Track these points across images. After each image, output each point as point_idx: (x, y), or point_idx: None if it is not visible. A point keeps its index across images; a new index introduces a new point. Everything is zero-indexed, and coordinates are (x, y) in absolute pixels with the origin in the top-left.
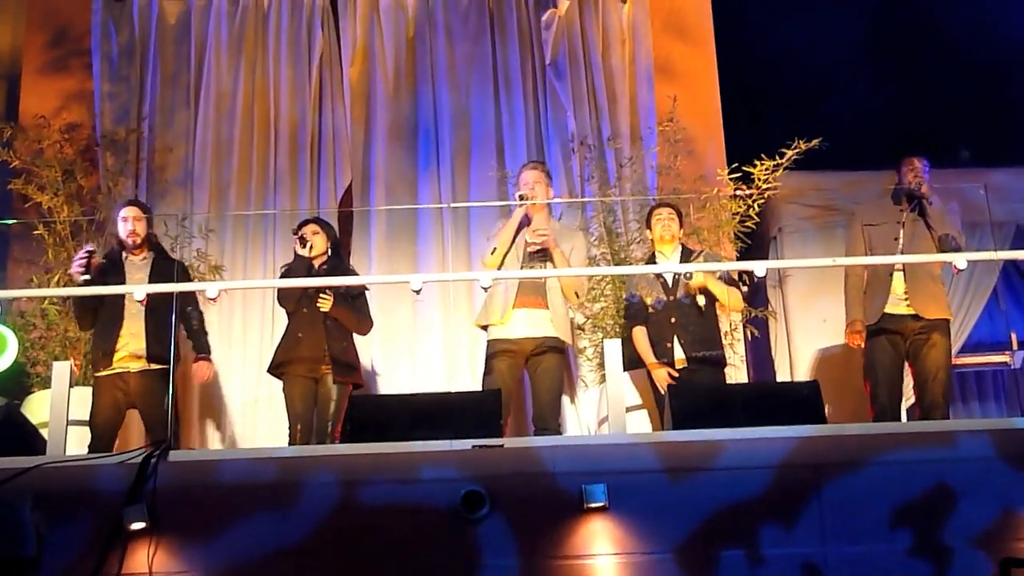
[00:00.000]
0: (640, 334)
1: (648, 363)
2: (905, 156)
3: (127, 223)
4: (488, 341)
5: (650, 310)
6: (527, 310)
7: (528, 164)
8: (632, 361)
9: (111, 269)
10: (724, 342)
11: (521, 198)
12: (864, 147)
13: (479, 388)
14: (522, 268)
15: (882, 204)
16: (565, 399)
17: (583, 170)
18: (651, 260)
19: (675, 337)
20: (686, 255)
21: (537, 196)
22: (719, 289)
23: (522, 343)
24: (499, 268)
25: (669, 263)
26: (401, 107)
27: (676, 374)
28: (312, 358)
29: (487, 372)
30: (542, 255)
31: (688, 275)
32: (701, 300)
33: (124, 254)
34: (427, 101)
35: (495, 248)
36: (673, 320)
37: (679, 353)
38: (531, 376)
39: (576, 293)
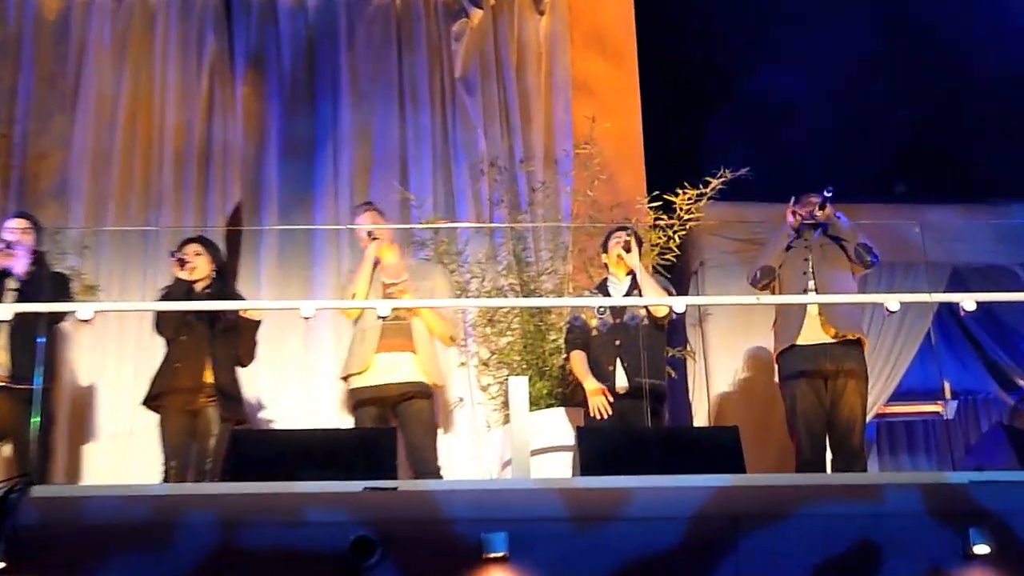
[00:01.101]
0: (579, 358)
1: (587, 388)
2: (802, 194)
3: (11, 235)
4: (349, 391)
5: (594, 332)
6: (391, 354)
7: (360, 208)
8: (552, 397)
9: None
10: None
11: (369, 234)
12: (793, 177)
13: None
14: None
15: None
16: (465, 441)
17: (492, 194)
18: (603, 284)
19: (618, 360)
20: (635, 283)
21: (383, 237)
22: (648, 284)
23: (386, 389)
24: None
25: (619, 287)
26: (298, 120)
27: (611, 401)
28: (191, 389)
29: (356, 425)
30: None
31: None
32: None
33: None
34: (326, 114)
35: (354, 293)
36: (617, 343)
37: (621, 379)
38: (400, 424)
39: (451, 337)
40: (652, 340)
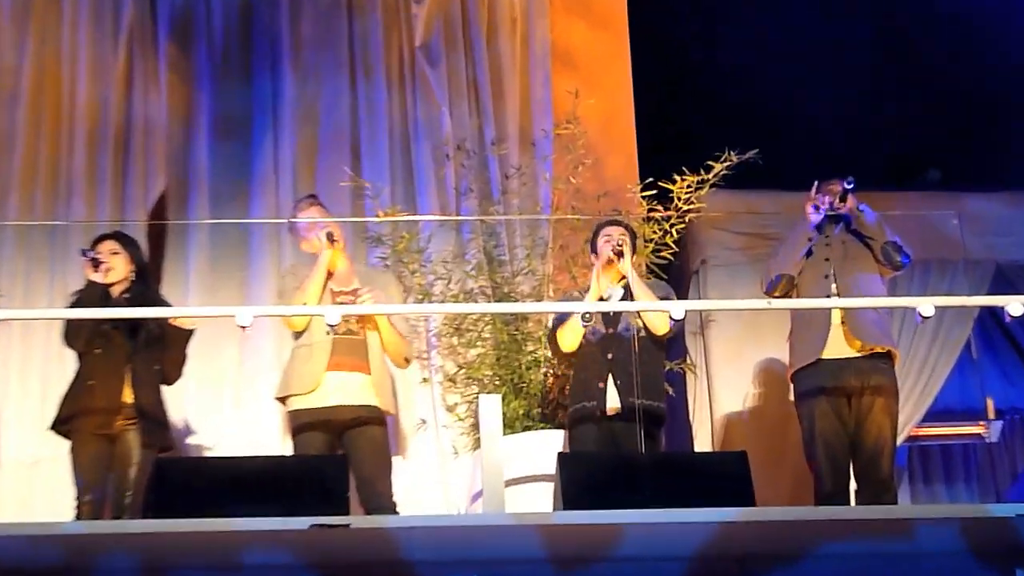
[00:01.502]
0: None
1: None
2: (822, 180)
3: None
4: (289, 413)
5: (581, 342)
6: (342, 374)
7: (303, 202)
8: (529, 419)
9: None
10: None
11: (329, 236)
12: (809, 163)
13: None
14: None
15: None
16: (430, 470)
17: (459, 181)
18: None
19: (610, 377)
20: (628, 292)
21: (339, 237)
22: (644, 294)
23: (334, 412)
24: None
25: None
26: (231, 96)
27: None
28: (107, 410)
29: (296, 451)
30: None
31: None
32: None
33: None
34: (264, 90)
35: (305, 301)
36: (609, 356)
37: (612, 399)
38: (350, 453)
39: (405, 358)
40: (650, 356)
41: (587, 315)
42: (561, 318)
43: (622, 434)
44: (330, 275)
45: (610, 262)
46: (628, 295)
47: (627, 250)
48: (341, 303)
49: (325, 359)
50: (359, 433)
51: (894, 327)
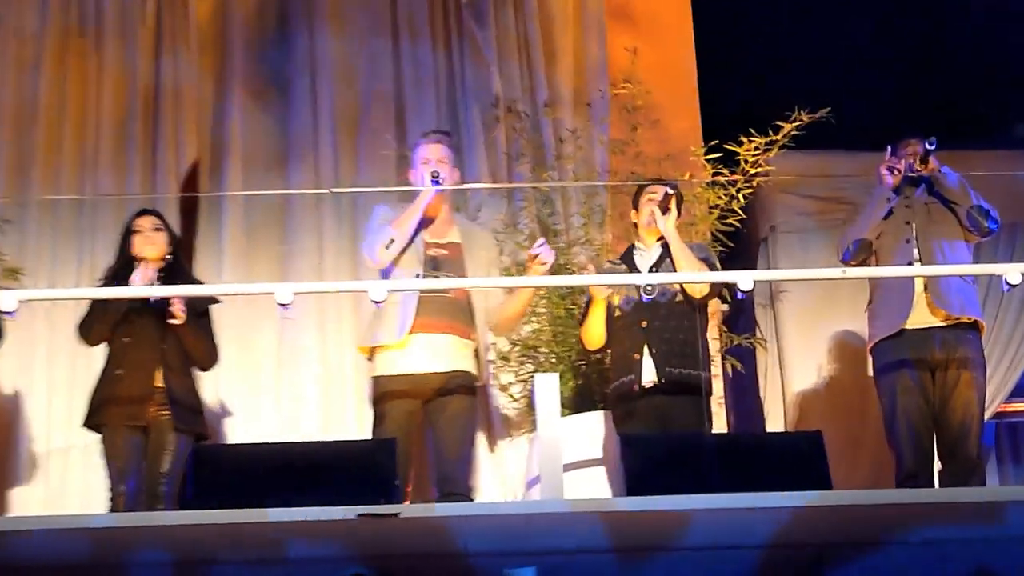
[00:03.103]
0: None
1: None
2: (900, 139)
3: None
4: (374, 379)
5: (616, 312)
6: (428, 335)
7: (430, 135)
8: (586, 399)
9: None
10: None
11: (435, 179)
12: (885, 120)
13: (368, 436)
14: (424, 276)
15: None
16: (483, 454)
17: (511, 146)
18: (628, 253)
19: (645, 347)
20: (667, 251)
21: (448, 176)
22: (684, 255)
23: (421, 380)
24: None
25: (647, 256)
26: (267, 57)
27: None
28: (137, 398)
29: (376, 421)
30: (451, 264)
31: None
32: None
33: None
34: (302, 48)
35: (392, 239)
36: (644, 324)
37: (648, 373)
38: (433, 424)
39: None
40: (687, 320)
41: (649, 287)
42: (585, 311)
43: (667, 408)
44: (427, 223)
45: (652, 219)
46: (666, 257)
47: (672, 208)
48: (432, 256)
49: (411, 313)
50: (444, 403)
51: (980, 293)
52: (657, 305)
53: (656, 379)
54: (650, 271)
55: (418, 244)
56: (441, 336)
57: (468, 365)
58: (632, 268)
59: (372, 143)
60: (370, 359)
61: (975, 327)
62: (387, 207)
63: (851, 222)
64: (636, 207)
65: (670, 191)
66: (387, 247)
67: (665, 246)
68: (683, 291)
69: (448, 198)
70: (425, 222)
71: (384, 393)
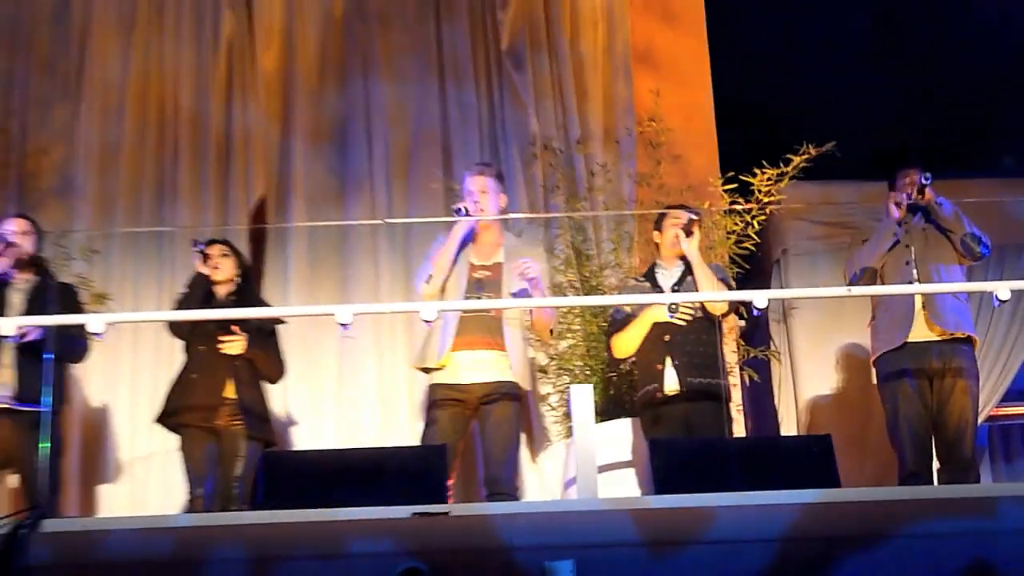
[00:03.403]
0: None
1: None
2: (899, 169)
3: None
4: (429, 386)
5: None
6: (472, 352)
7: (473, 168)
8: (617, 407)
9: None
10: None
11: (458, 212)
12: (884, 153)
13: (419, 443)
14: (466, 298)
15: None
16: (524, 456)
17: (547, 179)
18: (650, 271)
19: (667, 359)
20: (688, 271)
21: (485, 208)
22: (706, 275)
23: (470, 389)
24: (440, 297)
25: (669, 275)
26: (326, 102)
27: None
28: (209, 405)
29: (427, 424)
30: (493, 284)
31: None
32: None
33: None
34: (358, 95)
35: (431, 275)
36: (667, 338)
37: (671, 382)
38: (481, 429)
39: (551, 330)
40: (706, 335)
41: (673, 305)
42: (616, 324)
43: (689, 414)
44: (474, 243)
45: (676, 241)
46: (687, 276)
47: (696, 231)
48: (477, 278)
49: (451, 334)
50: (490, 409)
51: (972, 310)
52: (678, 321)
53: (678, 388)
54: (672, 289)
55: (462, 268)
56: (483, 352)
57: (509, 375)
58: (655, 285)
59: (421, 178)
60: (425, 372)
61: (969, 341)
62: (444, 237)
63: (856, 246)
64: (659, 229)
65: (693, 216)
66: (427, 283)
67: (686, 266)
68: (703, 308)
69: (497, 221)
70: (473, 244)
71: (434, 401)
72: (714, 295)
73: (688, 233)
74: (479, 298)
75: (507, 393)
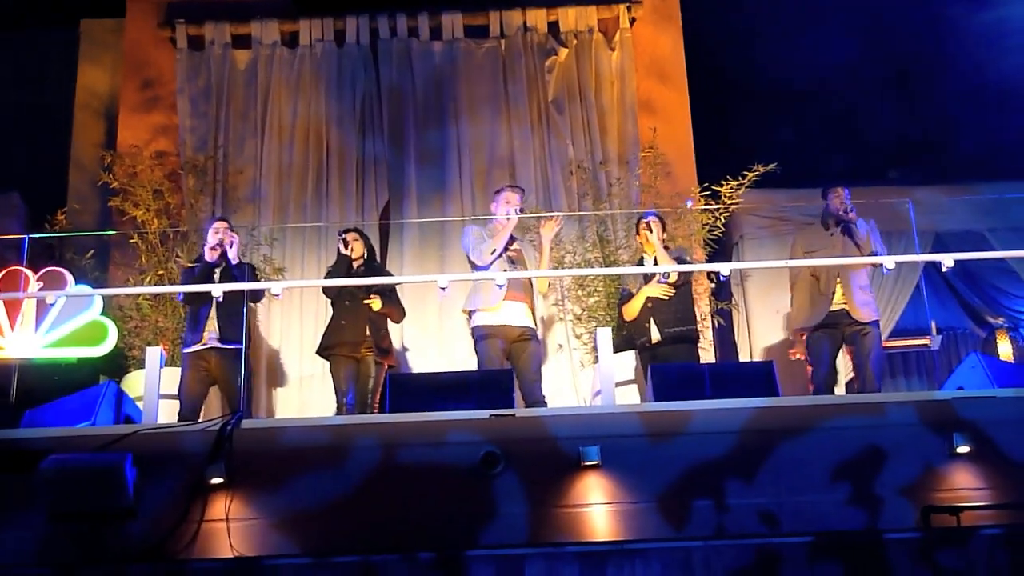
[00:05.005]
0: (629, 304)
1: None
2: (830, 186)
3: (217, 234)
4: (475, 327)
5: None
6: (513, 303)
7: (512, 186)
8: (626, 342)
9: (204, 270)
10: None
11: (508, 213)
12: (810, 169)
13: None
14: (505, 269)
15: (815, 231)
16: (566, 377)
17: (579, 189)
18: (641, 261)
19: (651, 319)
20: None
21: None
22: (662, 256)
23: (507, 330)
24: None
25: (651, 262)
26: (430, 137)
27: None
28: (353, 342)
29: (479, 350)
30: (521, 261)
31: (665, 275)
32: (672, 278)
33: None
34: (451, 132)
35: (494, 248)
36: (650, 306)
37: (655, 334)
38: (515, 360)
39: (549, 284)
40: (679, 296)
41: (666, 274)
42: (623, 298)
43: (669, 355)
44: (511, 238)
45: (642, 236)
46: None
47: (655, 227)
48: (511, 257)
49: (503, 289)
50: (523, 347)
51: (871, 272)
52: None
53: (659, 337)
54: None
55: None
56: (517, 304)
57: (532, 323)
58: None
59: (495, 188)
60: (469, 317)
61: (875, 323)
62: (475, 226)
63: (799, 234)
64: (638, 232)
65: (651, 219)
66: (491, 253)
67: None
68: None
69: (518, 226)
70: (510, 238)
71: (484, 335)
72: (692, 266)
73: (649, 229)
74: (515, 269)
75: (533, 335)
